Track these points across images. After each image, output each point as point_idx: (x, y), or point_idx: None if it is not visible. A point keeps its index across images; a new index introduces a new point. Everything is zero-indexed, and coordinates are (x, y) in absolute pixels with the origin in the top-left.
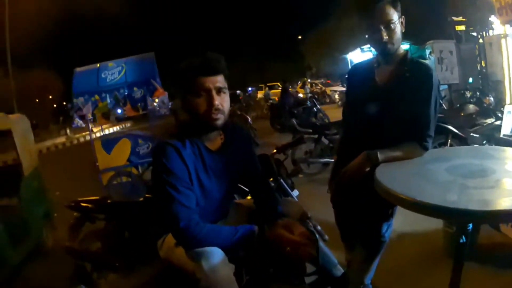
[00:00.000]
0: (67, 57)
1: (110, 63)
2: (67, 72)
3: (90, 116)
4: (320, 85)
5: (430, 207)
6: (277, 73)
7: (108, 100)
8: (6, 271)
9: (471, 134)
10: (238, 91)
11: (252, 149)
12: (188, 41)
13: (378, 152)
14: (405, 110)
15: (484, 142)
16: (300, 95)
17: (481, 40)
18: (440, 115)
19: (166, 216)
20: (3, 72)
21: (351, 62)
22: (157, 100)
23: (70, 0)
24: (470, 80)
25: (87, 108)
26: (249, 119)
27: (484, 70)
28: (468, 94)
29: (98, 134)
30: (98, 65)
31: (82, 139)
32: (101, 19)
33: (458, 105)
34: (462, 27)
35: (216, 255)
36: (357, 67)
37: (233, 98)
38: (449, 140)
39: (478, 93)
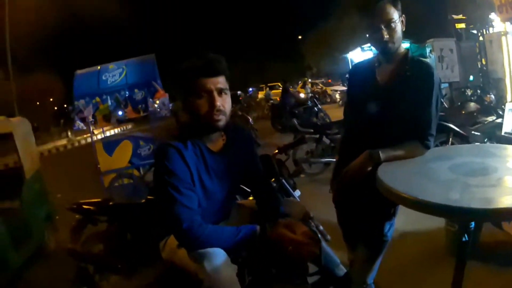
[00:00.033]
0: (67, 59)
1: (111, 65)
2: (68, 75)
3: (91, 118)
4: (320, 84)
5: (432, 206)
6: (277, 73)
7: (109, 102)
8: (8, 274)
9: (472, 132)
10: (239, 92)
11: (253, 149)
12: (189, 42)
13: (380, 151)
14: (407, 109)
15: (486, 140)
16: (302, 95)
17: (481, 38)
18: (441, 113)
19: (168, 217)
20: (3, 75)
21: (352, 61)
22: (157, 102)
23: (71, 3)
24: (471, 78)
25: (88, 110)
26: (250, 120)
27: (484, 68)
28: (469, 92)
29: (99, 136)
30: (98, 67)
31: (83, 142)
32: (102, 21)
33: (459, 103)
34: (462, 25)
35: (218, 256)
36: (358, 67)
37: (234, 99)
38: (451, 139)
39: (479, 91)
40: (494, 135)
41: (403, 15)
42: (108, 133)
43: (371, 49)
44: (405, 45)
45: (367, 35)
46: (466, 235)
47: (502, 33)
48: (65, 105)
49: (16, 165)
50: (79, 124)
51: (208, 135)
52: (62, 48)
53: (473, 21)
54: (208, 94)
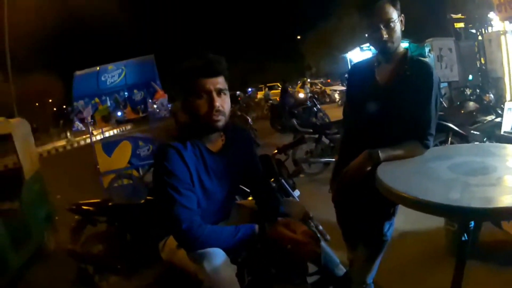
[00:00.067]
0: (67, 60)
1: (110, 66)
2: (67, 76)
3: (89, 119)
4: (320, 84)
5: (432, 205)
6: (276, 73)
7: (108, 103)
8: (8, 275)
9: (472, 131)
10: (238, 92)
11: (253, 149)
12: (188, 43)
13: (379, 151)
14: (406, 109)
15: (485, 139)
16: (301, 95)
17: (480, 37)
18: (441, 113)
19: (167, 218)
20: (3, 76)
21: (351, 61)
22: (157, 103)
23: (70, 3)
24: (470, 77)
25: (88, 111)
26: (249, 120)
27: (483, 67)
28: (468, 91)
29: (98, 137)
30: (98, 68)
31: (82, 142)
32: (101, 22)
33: (458, 103)
34: (461, 24)
35: (218, 256)
36: (357, 66)
37: (233, 99)
38: (450, 138)
39: (478, 90)
40: (494, 134)
41: (402, 15)
42: (107, 134)
43: (370, 49)
44: (404, 44)
45: (366, 35)
46: (465, 235)
47: (501, 32)
48: (64, 106)
49: (15, 166)
50: (78, 125)
51: (207, 135)
52: (61, 49)
53: (472, 21)
54: (208, 94)
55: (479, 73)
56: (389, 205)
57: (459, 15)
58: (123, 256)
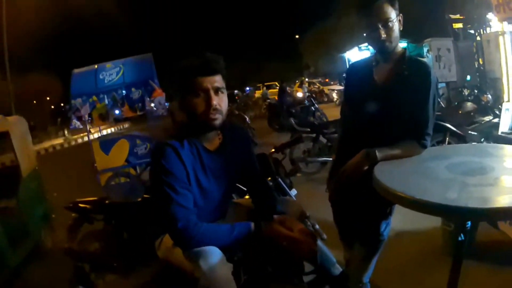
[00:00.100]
0: (65, 58)
1: (108, 64)
2: (65, 74)
3: (87, 117)
4: (318, 84)
5: (429, 205)
6: (275, 72)
7: (106, 101)
8: (5, 273)
9: (469, 132)
10: (236, 91)
11: (250, 148)
12: (186, 42)
13: (376, 150)
14: (404, 109)
15: (482, 140)
16: (300, 94)
17: (478, 38)
18: (438, 113)
19: (164, 216)
20: (1, 74)
21: (349, 61)
22: (154, 101)
23: (69, 2)
24: (468, 77)
25: (85, 109)
26: (247, 119)
27: (482, 68)
28: (466, 92)
29: (96, 135)
30: (96, 66)
31: (80, 140)
32: (99, 20)
33: (456, 103)
34: (460, 25)
35: (214, 254)
36: (355, 66)
37: (231, 98)
38: (447, 138)
39: (476, 91)
40: (491, 135)
41: (401, 14)
42: (104, 132)
43: (368, 49)
44: (403, 44)
45: (365, 34)
46: (462, 235)
47: (500, 32)
48: (62, 104)
49: (13, 164)
50: (76, 123)
51: (204, 134)
52: (59, 47)
53: (471, 21)
54: (205, 92)
55: (477, 74)
56: (386, 204)
57: (458, 16)
58: (119, 254)
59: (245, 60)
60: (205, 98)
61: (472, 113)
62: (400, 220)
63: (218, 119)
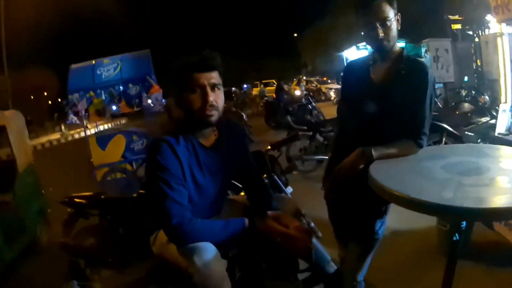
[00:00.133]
0: (62, 53)
1: (106, 60)
2: (63, 69)
3: (84, 113)
4: (315, 82)
5: (425, 205)
6: (272, 70)
7: (103, 97)
8: (1, 267)
9: (466, 132)
10: (233, 88)
11: (246, 145)
12: (184, 39)
13: (372, 149)
14: (400, 108)
15: (479, 140)
16: (297, 92)
17: (477, 39)
18: (435, 113)
19: (159, 212)
20: None
21: (347, 59)
22: (151, 97)
23: None
24: (466, 78)
25: (82, 104)
26: (244, 116)
27: (479, 69)
28: (463, 92)
29: (92, 131)
30: (93, 61)
31: (76, 136)
32: (97, 15)
33: (453, 104)
34: (458, 26)
35: (208, 250)
36: (353, 65)
37: (227, 95)
38: (444, 139)
39: (473, 92)
40: (488, 136)
41: (399, 14)
42: (101, 128)
43: (366, 48)
44: (401, 44)
45: (363, 33)
46: (457, 234)
47: (498, 34)
48: (59, 99)
49: (9, 159)
50: (73, 118)
51: (200, 130)
52: (57, 42)
53: (469, 22)
54: (201, 89)
55: (475, 75)
56: (381, 203)
57: (457, 17)
58: (115, 249)
59: (243, 57)
60: (202, 95)
61: (469, 114)
62: (396, 219)
63: (214, 115)
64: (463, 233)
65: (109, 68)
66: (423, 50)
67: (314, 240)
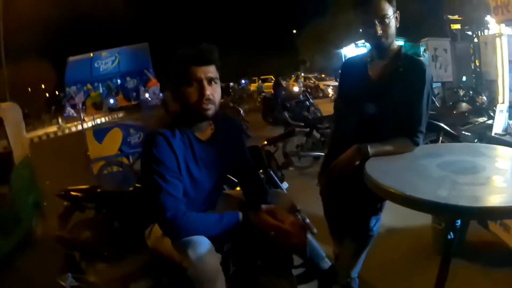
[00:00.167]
0: (60, 46)
1: (104, 53)
2: (61, 61)
3: (81, 105)
4: (313, 79)
5: (420, 202)
6: (271, 66)
7: (101, 90)
8: None
9: (463, 132)
10: (231, 83)
11: (242, 140)
12: (183, 33)
13: (368, 146)
14: (397, 105)
15: (476, 140)
16: (296, 88)
17: (476, 40)
18: (433, 112)
19: (153, 205)
20: None
21: (345, 57)
22: (149, 91)
23: None
24: (464, 78)
25: (79, 97)
26: (242, 112)
27: (478, 70)
28: (461, 92)
29: (90, 124)
30: (91, 54)
31: (74, 129)
32: (96, 8)
33: (451, 103)
34: (458, 26)
35: (202, 244)
36: (350, 61)
37: (225, 91)
38: (441, 138)
39: (471, 92)
40: (485, 136)
41: (398, 12)
42: (98, 121)
43: (365, 46)
44: (400, 43)
45: (361, 30)
46: (452, 233)
47: (497, 35)
48: (57, 92)
49: (5, 151)
50: (70, 111)
51: (197, 124)
52: (55, 35)
53: (469, 23)
54: (198, 82)
55: (473, 75)
56: (376, 200)
57: (456, 17)
58: (110, 243)
59: (242, 53)
60: (199, 88)
61: (466, 114)
62: (391, 217)
63: (211, 109)
64: (458, 232)
65: (107, 61)
66: (421, 49)
67: (309, 236)
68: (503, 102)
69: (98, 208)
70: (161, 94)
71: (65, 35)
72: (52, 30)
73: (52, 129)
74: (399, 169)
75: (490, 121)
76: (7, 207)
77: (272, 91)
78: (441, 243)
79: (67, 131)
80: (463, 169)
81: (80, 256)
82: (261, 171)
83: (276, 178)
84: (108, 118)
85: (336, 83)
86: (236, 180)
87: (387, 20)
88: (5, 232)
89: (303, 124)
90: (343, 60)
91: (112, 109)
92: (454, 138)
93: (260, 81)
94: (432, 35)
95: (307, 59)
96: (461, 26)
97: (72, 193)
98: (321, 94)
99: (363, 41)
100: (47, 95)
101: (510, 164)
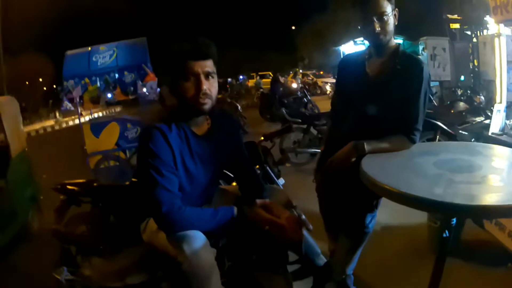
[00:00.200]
0: (58, 40)
1: (102, 47)
2: (58, 55)
3: (78, 99)
4: (311, 76)
5: (416, 200)
6: (269, 62)
7: (98, 84)
8: None
9: (460, 131)
10: (229, 79)
11: (239, 135)
12: (181, 28)
13: (365, 143)
14: (395, 103)
15: (473, 140)
16: (294, 85)
17: (475, 39)
18: (430, 111)
19: (149, 200)
20: None
21: (344, 54)
22: (146, 85)
23: None
24: (462, 78)
25: (77, 91)
26: (239, 107)
27: (476, 69)
28: (459, 91)
29: (87, 118)
30: (89, 48)
31: (71, 123)
32: (94, 2)
33: (448, 102)
34: (457, 25)
35: (198, 239)
36: (348, 58)
37: (222, 86)
38: (438, 136)
39: (469, 91)
40: (482, 135)
41: (396, 9)
42: (96, 115)
43: (363, 43)
44: (398, 41)
45: (359, 27)
46: (447, 231)
47: (496, 34)
48: (55, 86)
49: (2, 144)
50: (67, 105)
51: (193, 118)
52: (53, 28)
53: (468, 22)
54: (195, 77)
55: (472, 75)
56: (372, 197)
57: (455, 16)
58: (106, 237)
59: (240, 48)
60: (195, 83)
61: (464, 113)
62: (387, 215)
63: (208, 103)
64: (453, 231)
65: (105, 55)
66: (420, 48)
67: (304, 232)
68: (500, 102)
69: (94, 202)
70: (158, 89)
71: (63, 29)
72: (50, 24)
73: (50, 123)
74: (395, 166)
75: (487, 121)
76: (4, 200)
77: (270, 87)
78: (436, 241)
79: (64, 125)
80: (459, 167)
81: (76, 250)
82: (257, 166)
83: (272, 174)
84: (106, 113)
85: (334, 80)
86: (232, 175)
87: (385, 17)
88: (1, 225)
89: (300, 120)
90: (341, 57)
91: (109, 103)
92: (451, 137)
93: (258, 77)
94: (431, 34)
95: (305, 56)
96: (460, 25)
97: (69, 187)
98: (319, 91)
99: (361, 38)
100: (45, 89)
101: (507, 164)
